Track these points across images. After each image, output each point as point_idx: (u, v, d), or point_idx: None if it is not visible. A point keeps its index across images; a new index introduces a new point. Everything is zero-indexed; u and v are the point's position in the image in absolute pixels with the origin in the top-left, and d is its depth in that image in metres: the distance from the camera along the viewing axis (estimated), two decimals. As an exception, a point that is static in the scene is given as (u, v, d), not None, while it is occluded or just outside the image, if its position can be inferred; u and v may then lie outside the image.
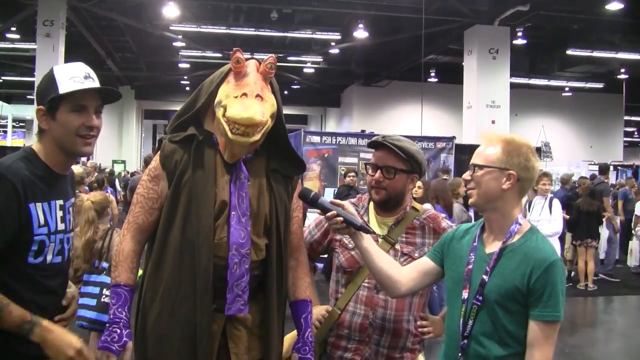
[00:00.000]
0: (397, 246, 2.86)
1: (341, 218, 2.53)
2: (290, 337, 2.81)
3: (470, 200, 2.45)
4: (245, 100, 2.42)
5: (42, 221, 2.28)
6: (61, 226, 2.39)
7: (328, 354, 2.92)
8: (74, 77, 2.33)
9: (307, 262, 2.84)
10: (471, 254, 2.43)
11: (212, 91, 2.57)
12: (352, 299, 2.87)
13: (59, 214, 2.38)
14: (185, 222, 2.48)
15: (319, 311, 2.94)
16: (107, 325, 2.46)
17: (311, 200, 2.58)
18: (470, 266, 2.40)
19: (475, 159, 2.43)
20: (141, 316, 2.55)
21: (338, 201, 2.60)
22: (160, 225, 2.52)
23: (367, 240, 2.60)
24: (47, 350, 2.22)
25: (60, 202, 2.39)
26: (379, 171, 2.87)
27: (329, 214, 2.54)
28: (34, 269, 2.29)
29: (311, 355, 2.67)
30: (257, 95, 2.45)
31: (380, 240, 2.87)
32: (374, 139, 2.93)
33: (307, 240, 3.06)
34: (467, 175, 2.44)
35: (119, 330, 2.43)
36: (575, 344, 7.54)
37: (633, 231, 12.78)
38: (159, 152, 2.61)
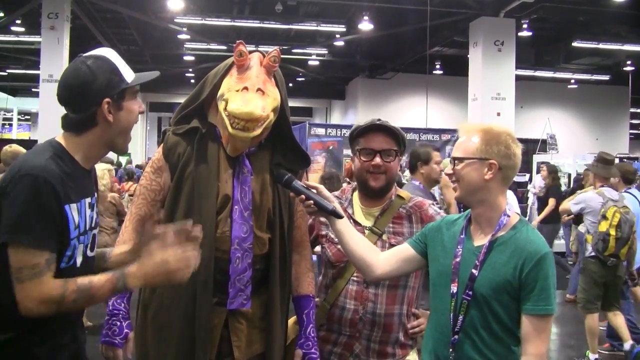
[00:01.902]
0: (385, 237, 2.84)
1: (311, 201, 2.53)
2: (290, 322, 2.81)
3: (455, 195, 2.44)
4: (246, 95, 2.41)
5: (76, 223, 2.14)
6: (89, 224, 2.28)
7: (318, 347, 2.90)
8: (124, 64, 2.27)
9: (310, 257, 2.84)
10: (458, 247, 2.41)
11: (216, 83, 2.57)
12: (341, 293, 2.86)
13: (88, 212, 2.26)
14: (187, 215, 2.47)
15: None
16: (107, 317, 2.47)
17: (285, 183, 2.58)
18: (458, 259, 2.38)
19: (455, 152, 2.42)
20: (141, 308, 2.56)
21: (312, 184, 2.60)
22: (162, 218, 2.51)
23: (341, 223, 2.60)
24: (154, 285, 2.22)
25: (89, 199, 2.27)
26: (378, 155, 2.82)
27: (300, 196, 2.54)
28: (62, 275, 2.13)
29: (315, 350, 2.68)
30: (259, 90, 2.44)
31: (367, 231, 2.85)
32: (370, 123, 2.87)
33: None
34: (449, 170, 2.43)
35: (118, 323, 2.44)
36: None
37: None
38: (162, 144, 2.60)
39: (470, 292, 2.31)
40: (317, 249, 3.10)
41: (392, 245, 2.80)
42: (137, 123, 2.35)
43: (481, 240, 2.38)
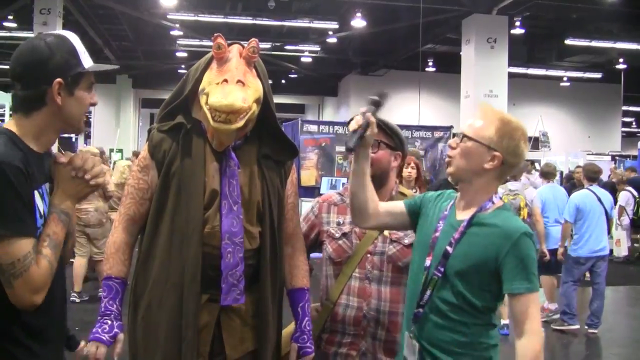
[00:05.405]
0: (386, 232, 2.80)
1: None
2: (288, 332, 2.76)
3: (449, 170, 2.41)
4: (226, 87, 2.38)
5: (41, 211, 2.03)
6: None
7: (322, 350, 2.85)
8: (85, 51, 2.15)
9: (304, 249, 2.81)
10: (440, 222, 2.40)
11: (198, 78, 2.54)
12: (343, 290, 2.81)
13: (47, 199, 2.11)
14: (174, 212, 2.46)
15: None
16: (98, 317, 2.45)
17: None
18: (437, 234, 2.37)
19: (467, 130, 2.38)
20: (132, 307, 2.54)
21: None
22: (150, 216, 2.51)
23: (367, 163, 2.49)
24: (80, 196, 2.16)
25: (47, 184, 2.13)
26: None
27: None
28: None
29: (310, 343, 2.65)
30: (239, 81, 2.41)
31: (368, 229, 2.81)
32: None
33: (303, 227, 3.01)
34: (453, 142, 2.39)
35: (109, 322, 2.42)
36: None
37: (617, 221, 12.90)
38: (147, 142, 2.59)
39: (442, 269, 2.30)
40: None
41: (392, 241, 2.80)
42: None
43: (462, 216, 2.37)
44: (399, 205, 2.60)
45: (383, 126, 2.79)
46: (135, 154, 17.38)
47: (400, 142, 2.88)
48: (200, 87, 2.50)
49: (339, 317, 2.82)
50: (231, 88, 2.39)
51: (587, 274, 9.91)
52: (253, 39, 2.53)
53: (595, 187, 8.25)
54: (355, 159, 2.47)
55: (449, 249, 2.30)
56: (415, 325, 2.36)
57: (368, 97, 2.45)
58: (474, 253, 2.27)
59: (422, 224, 2.51)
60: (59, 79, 2.04)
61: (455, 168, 2.38)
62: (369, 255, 2.82)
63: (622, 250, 13.41)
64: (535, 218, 7.77)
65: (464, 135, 2.37)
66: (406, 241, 2.78)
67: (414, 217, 2.56)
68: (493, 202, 2.37)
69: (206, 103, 2.42)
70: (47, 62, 2.04)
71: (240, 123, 2.40)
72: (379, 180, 2.82)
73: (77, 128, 2.18)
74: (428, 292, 2.32)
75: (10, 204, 1.89)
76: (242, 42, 2.56)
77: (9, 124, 2.08)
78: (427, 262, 2.36)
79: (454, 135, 13.25)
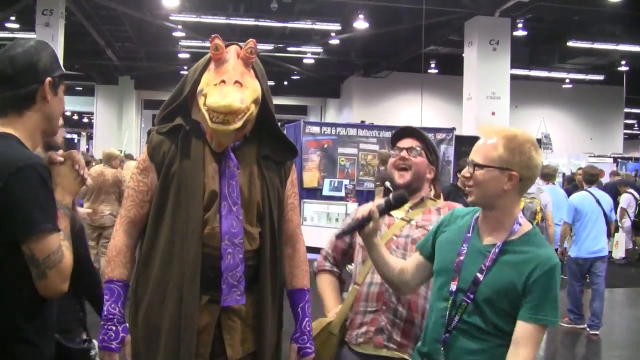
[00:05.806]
0: (413, 222, 2.88)
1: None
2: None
3: (469, 199, 2.37)
4: (224, 88, 2.38)
5: None
6: None
7: (346, 341, 2.89)
8: None
9: (304, 250, 2.81)
10: (464, 245, 2.36)
11: (196, 79, 2.54)
12: (369, 271, 2.87)
13: None
14: (174, 214, 2.46)
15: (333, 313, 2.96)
16: (102, 323, 2.45)
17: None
18: (462, 257, 2.34)
19: (475, 157, 2.33)
20: (133, 308, 2.55)
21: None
22: (151, 217, 2.51)
23: (379, 243, 2.63)
24: (74, 189, 2.29)
25: None
26: (404, 150, 2.94)
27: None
28: None
29: (310, 344, 2.66)
30: (236, 82, 2.41)
31: (397, 220, 2.90)
32: (403, 126, 3.08)
33: (332, 241, 3.16)
34: (466, 172, 2.35)
35: (114, 327, 2.44)
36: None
37: (619, 223, 12.90)
38: (147, 144, 2.59)
39: (472, 296, 2.26)
40: (350, 267, 3.15)
41: (419, 227, 2.86)
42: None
43: (490, 241, 2.33)
44: (416, 258, 2.62)
45: (426, 141, 3.00)
46: (128, 157, 17.33)
47: (437, 159, 3.04)
48: (199, 88, 2.50)
49: (362, 296, 2.88)
50: (229, 89, 2.39)
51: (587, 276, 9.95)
52: (251, 39, 2.53)
53: (594, 189, 8.34)
54: (367, 250, 2.65)
55: (480, 275, 2.27)
56: (444, 350, 2.33)
57: (390, 195, 2.64)
58: (503, 280, 2.23)
59: (441, 246, 2.48)
60: (49, 78, 2.16)
61: (476, 197, 2.34)
62: (394, 237, 2.90)
63: (619, 252, 13.43)
64: (548, 222, 7.86)
65: (475, 164, 2.32)
66: (430, 227, 2.79)
67: (431, 259, 2.55)
68: (520, 224, 2.33)
69: (204, 104, 2.42)
70: (37, 63, 2.15)
71: (239, 124, 2.41)
72: (415, 187, 2.95)
73: (55, 130, 2.30)
74: (456, 318, 2.30)
75: (48, 202, 2.06)
76: (239, 43, 2.57)
77: (4, 128, 2.12)
78: (453, 287, 2.33)
79: (457, 138, 13.27)
